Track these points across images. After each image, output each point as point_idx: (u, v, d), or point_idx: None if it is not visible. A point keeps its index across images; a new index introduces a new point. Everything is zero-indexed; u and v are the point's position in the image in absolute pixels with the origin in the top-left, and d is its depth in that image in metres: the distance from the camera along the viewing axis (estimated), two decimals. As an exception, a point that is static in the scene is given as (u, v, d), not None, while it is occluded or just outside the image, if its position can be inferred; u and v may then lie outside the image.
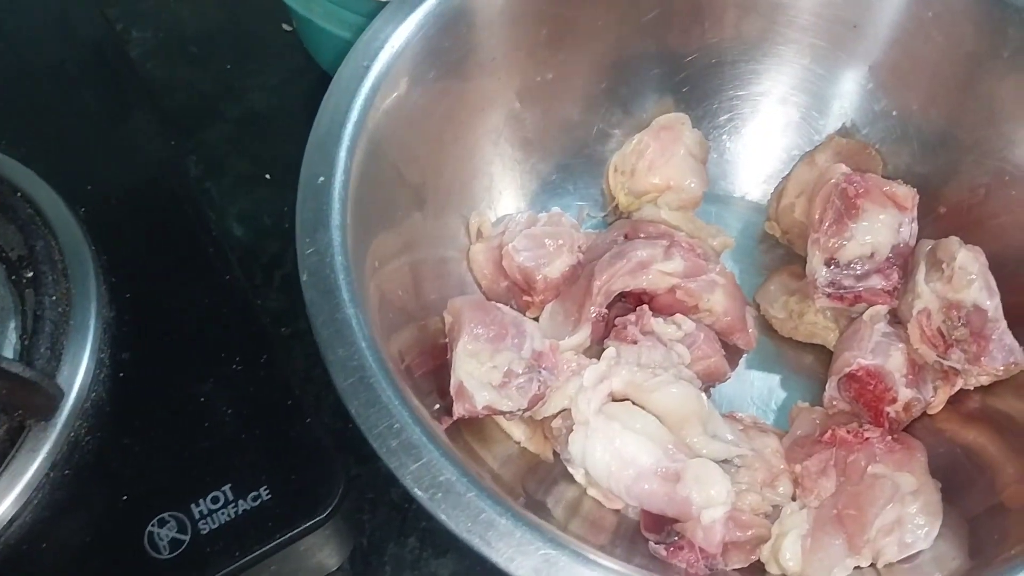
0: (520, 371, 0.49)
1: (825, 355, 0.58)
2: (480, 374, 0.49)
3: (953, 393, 0.54)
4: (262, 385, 0.48)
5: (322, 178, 0.48)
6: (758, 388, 0.58)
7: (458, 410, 0.48)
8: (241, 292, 0.51)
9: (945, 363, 0.52)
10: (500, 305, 0.54)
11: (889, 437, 0.50)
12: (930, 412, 0.54)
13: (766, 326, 0.60)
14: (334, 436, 0.50)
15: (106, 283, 0.51)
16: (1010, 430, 0.52)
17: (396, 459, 0.39)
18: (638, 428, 0.49)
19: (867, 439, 0.50)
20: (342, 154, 0.49)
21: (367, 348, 0.43)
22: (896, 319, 0.55)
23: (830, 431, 0.51)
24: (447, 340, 0.53)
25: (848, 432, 0.51)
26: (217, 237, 0.53)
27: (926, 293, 0.53)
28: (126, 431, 0.47)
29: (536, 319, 0.58)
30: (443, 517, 0.38)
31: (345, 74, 0.52)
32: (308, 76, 0.75)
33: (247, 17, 0.78)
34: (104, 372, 0.48)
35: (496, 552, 0.38)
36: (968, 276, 0.51)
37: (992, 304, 0.51)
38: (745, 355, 0.59)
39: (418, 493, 0.39)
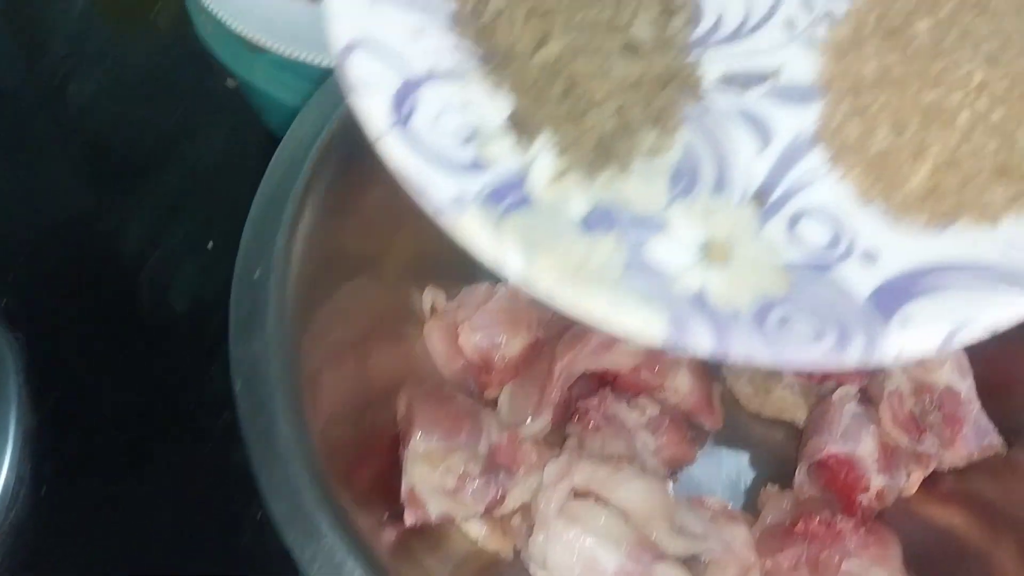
0: (476, 473, 0.47)
1: (795, 432, 0.56)
2: (433, 479, 0.46)
3: (927, 475, 0.52)
4: (202, 488, 0.45)
5: (259, 271, 0.45)
6: (726, 468, 0.56)
7: (409, 519, 0.45)
8: (179, 386, 0.47)
9: (919, 448, 0.50)
10: (456, 394, 0.51)
11: (862, 529, 0.48)
12: (903, 495, 0.52)
13: (733, 401, 0.58)
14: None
15: (28, 385, 0.47)
16: (987, 514, 0.50)
17: (338, 598, 0.37)
18: (601, 529, 0.47)
19: (839, 531, 0.48)
20: (281, 243, 0.46)
21: (303, 469, 0.39)
22: (866, 397, 0.53)
23: (801, 521, 0.49)
24: (399, 430, 0.51)
25: (820, 523, 0.49)
26: (153, 325, 0.50)
27: (897, 373, 0.51)
28: (50, 555, 0.43)
29: (496, 399, 0.55)
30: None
31: (287, 150, 0.49)
32: (255, 134, 0.71)
33: (188, 73, 0.75)
34: (24, 489, 0.44)
35: None
36: (940, 356, 0.49)
37: (966, 385, 0.49)
38: (712, 433, 0.57)
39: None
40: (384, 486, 0.48)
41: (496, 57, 0.34)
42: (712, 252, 0.33)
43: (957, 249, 0.33)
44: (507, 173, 0.32)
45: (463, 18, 0.34)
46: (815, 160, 0.34)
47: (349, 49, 0.33)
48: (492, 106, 0.33)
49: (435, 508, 0.45)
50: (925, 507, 0.52)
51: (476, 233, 0.31)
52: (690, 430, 0.54)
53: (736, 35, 0.37)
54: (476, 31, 0.34)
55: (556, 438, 0.53)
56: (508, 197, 0.32)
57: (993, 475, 0.51)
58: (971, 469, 0.51)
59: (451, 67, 0.34)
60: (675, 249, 0.32)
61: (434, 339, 0.56)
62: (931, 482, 0.52)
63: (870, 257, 0.33)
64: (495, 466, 0.47)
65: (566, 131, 0.33)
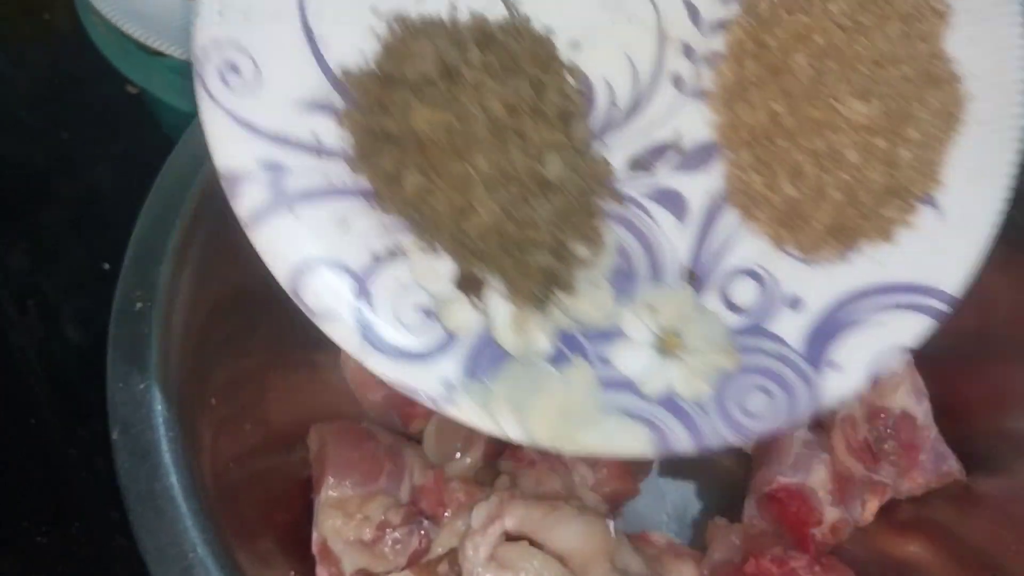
0: (397, 521, 0.42)
1: (744, 458, 0.52)
2: (348, 531, 0.41)
3: (883, 504, 0.49)
4: (74, 563, 0.39)
5: (140, 304, 0.39)
6: (671, 500, 0.52)
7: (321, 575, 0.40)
8: (49, 443, 0.42)
9: (874, 477, 0.47)
10: (375, 430, 0.46)
11: (817, 566, 0.45)
12: (858, 526, 0.49)
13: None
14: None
15: None
16: (947, 544, 0.47)
17: None
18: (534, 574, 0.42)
19: (792, 569, 0.44)
20: (167, 268, 0.40)
21: (193, 527, 0.34)
22: (818, 423, 0.50)
23: (752, 560, 0.45)
24: (311, 472, 0.46)
25: (771, 560, 0.45)
26: (24, 370, 0.44)
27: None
28: None
29: (421, 433, 0.51)
30: None
31: (177, 162, 0.44)
32: (158, 145, 0.65)
33: (87, 78, 0.69)
34: None
35: None
36: (894, 378, 0.46)
37: (921, 409, 0.46)
38: (656, 463, 0.53)
39: None
40: (294, 538, 0.43)
41: (426, 226, 0.34)
42: (667, 343, 0.36)
43: (864, 274, 0.35)
44: (476, 335, 0.34)
45: (382, 195, 0.34)
46: (730, 220, 0.36)
47: (295, 278, 0.34)
48: (435, 274, 0.34)
49: (350, 563, 0.40)
50: (882, 538, 0.49)
51: (473, 415, 0.34)
52: (631, 461, 0.50)
53: (633, 111, 0.36)
54: (399, 206, 0.34)
55: (486, 475, 0.48)
56: (485, 358, 0.34)
57: (953, 503, 0.48)
58: (929, 497, 0.48)
59: (387, 247, 0.34)
60: (635, 351, 0.35)
61: (352, 366, 0.51)
62: (888, 512, 0.49)
63: (795, 302, 0.36)
64: (419, 513, 0.43)
65: (512, 278, 0.34)
